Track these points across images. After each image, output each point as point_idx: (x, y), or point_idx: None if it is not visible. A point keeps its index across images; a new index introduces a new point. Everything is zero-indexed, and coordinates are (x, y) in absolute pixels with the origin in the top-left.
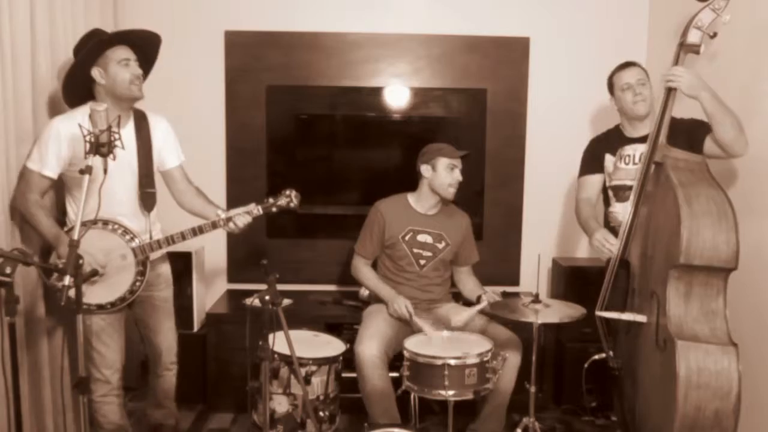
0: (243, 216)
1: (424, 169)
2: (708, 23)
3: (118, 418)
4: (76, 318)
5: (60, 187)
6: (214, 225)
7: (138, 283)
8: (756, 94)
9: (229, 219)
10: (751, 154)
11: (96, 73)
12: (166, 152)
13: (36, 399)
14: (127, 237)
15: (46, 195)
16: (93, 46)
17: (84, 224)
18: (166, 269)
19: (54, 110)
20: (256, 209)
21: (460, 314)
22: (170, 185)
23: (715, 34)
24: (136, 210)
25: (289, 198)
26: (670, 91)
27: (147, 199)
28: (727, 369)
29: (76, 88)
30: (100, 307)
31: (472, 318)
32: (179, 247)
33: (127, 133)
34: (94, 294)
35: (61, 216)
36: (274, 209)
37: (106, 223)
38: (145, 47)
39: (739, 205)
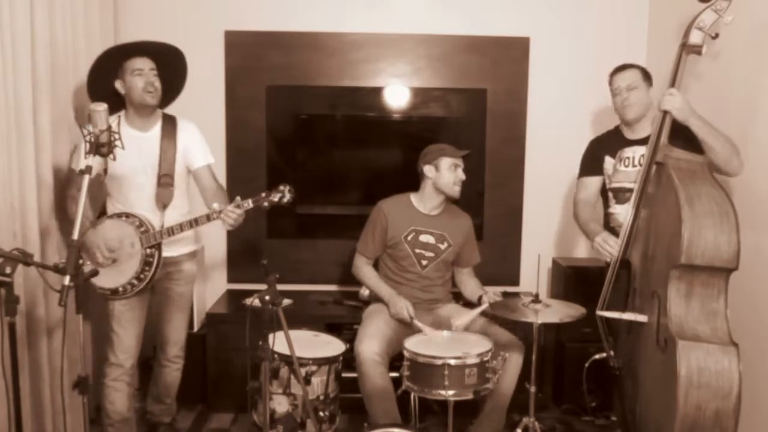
0: (233, 210)
1: (428, 170)
2: (710, 24)
3: (125, 409)
4: (102, 306)
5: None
6: (209, 218)
7: (146, 272)
8: (757, 94)
9: (221, 212)
10: (752, 154)
11: (118, 84)
12: (192, 154)
13: (36, 399)
14: (141, 228)
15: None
16: (103, 58)
17: (110, 216)
18: (189, 267)
19: (54, 110)
20: (246, 203)
21: (461, 317)
22: (197, 183)
23: (716, 35)
24: (152, 206)
25: (282, 193)
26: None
27: (162, 197)
28: (727, 369)
29: (106, 97)
30: (114, 292)
31: (474, 320)
32: None
33: (153, 135)
34: (106, 278)
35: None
36: (265, 204)
37: (127, 216)
38: (167, 60)
39: (739, 205)
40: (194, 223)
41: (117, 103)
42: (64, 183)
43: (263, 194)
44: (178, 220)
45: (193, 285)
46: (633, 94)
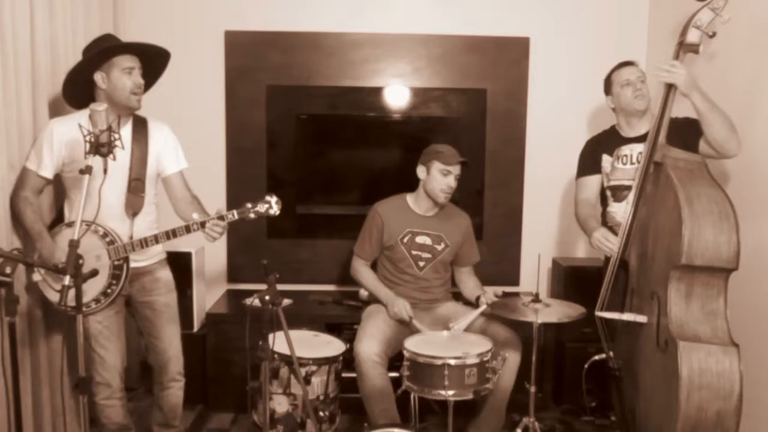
0: (216, 223)
1: (420, 171)
2: (707, 23)
3: (121, 418)
4: (71, 319)
5: (60, 191)
6: (188, 229)
7: (113, 286)
8: (755, 94)
9: (203, 224)
10: (750, 154)
11: (98, 77)
12: (165, 159)
13: (36, 399)
14: (107, 239)
15: (41, 195)
16: (102, 51)
17: (69, 224)
18: (165, 274)
19: (54, 110)
20: (231, 215)
21: (458, 320)
22: (168, 191)
23: (714, 34)
24: (121, 213)
25: (269, 204)
26: (670, 89)
27: (132, 203)
28: (728, 369)
29: (77, 88)
30: (75, 309)
31: (472, 323)
32: (179, 247)
33: (123, 136)
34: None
35: (58, 219)
36: (251, 215)
37: (89, 224)
38: (152, 59)
39: (738, 204)
40: (171, 234)
41: (85, 95)
42: (16, 182)
43: (249, 205)
44: (148, 229)
45: (175, 294)
46: (645, 86)
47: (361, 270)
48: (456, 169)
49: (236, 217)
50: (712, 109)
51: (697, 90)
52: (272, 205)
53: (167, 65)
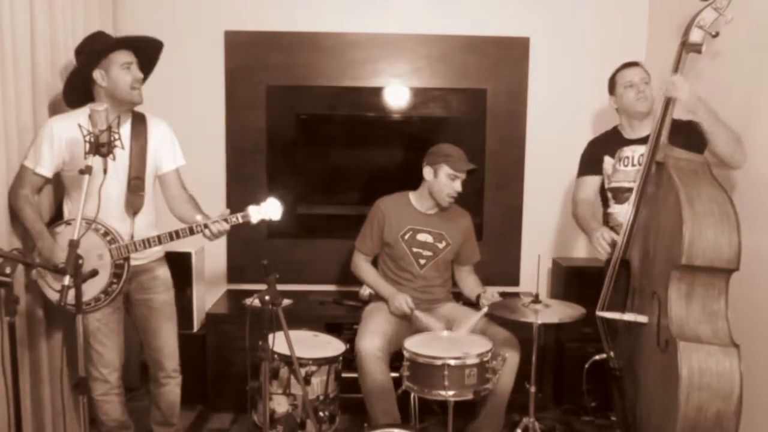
0: (220, 224)
1: (426, 172)
2: (710, 22)
3: (119, 414)
4: (71, 318)
5: (59, 189)
6: (191, 230)
7: (114, 285)
8: (758, 94)
9: (206, 226)
10: (751, 154)
11: (98, 75)
12: (162, 155)
13: (36, 398)
14: (108, 238)
15: (40, 193)
16: (100, 51)
17: (68, 222)
18: (163, 272)
19: (54, 110)
20: (235, 218)
21: (462, 326)
22: (164, 190)
23: (717, 34)
24: (121, 212)
25: (271, 210)
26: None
27: (133, 202)
28: (729, 370)
29: (77, 88)
30: (75, 308)
31: (476, 326)
32: (179, 247)
33: (123, 134)
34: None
35: (57, 216)
36: (253, 220)
37: (89, 222)
38: (146, 52)
39: (740, 205)
40: (174, 235)
41: (84, 94)
42: (15, 180)
43: (250, 210)
44: (148, 228)
45: (173, 291)
46: (648, 88)
47: (362, 265)
48: (464, 174)
49: (240, 220)
50: (718, 126)
51: (702, 105)
52: (274, 210)
53: (159, 55)
